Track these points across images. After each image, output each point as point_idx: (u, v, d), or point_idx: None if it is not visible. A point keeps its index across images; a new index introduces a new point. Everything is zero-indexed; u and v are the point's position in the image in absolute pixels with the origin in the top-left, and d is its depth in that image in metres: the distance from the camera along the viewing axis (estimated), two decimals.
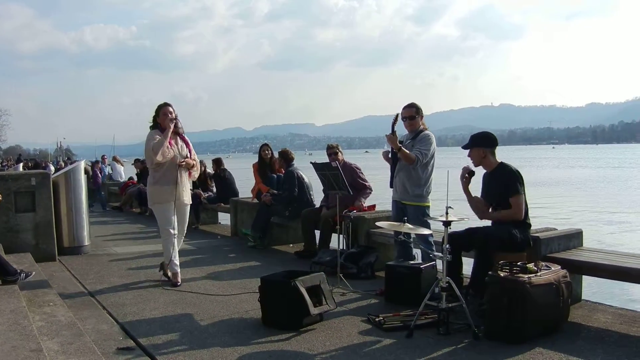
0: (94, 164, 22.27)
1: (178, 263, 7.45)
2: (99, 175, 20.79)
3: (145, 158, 7.56)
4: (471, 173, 6.22)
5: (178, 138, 7.31)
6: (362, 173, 9.13)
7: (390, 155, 7.10)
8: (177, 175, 7.18)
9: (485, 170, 6.31)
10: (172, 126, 7.10)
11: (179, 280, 7.34)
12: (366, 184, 8.98)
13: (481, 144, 6.19)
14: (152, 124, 7.24)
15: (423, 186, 6.86)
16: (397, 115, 6.71)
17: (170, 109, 7.17)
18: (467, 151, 6.28)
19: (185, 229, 7.63)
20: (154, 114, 7.26)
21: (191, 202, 7.61)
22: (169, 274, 7.41)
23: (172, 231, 7.29)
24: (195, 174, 7.62)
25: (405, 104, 7.05)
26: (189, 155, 7.35)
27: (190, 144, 7.47)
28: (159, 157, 7.00)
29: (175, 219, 7.31)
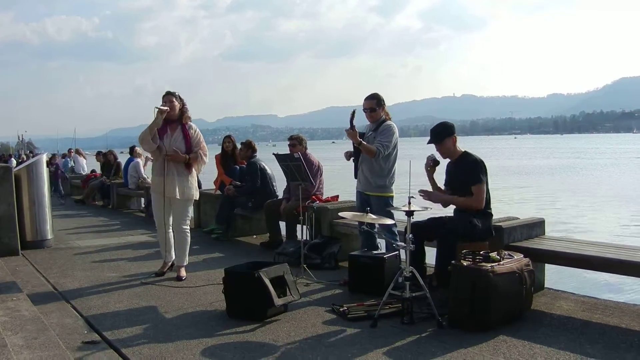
0: (51, 159, 22.02)
1: (171, 255, 7.43)
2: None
3: None
4: (436, 162, 6.26)
5: (179, 128, 7.15)
6: (318, 172, 9.08)
7: (352, 149, 7.12)
8: (164, 167, 7.07)
9: (449, 160, 6.33)
10: (159, 116, 6.90)
11: (182, 275, 7.28)
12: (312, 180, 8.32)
13: (449, 134, 6.18)
14: None
15: (386, 177, 6.88)
16: (354, 111, 6.66)
17: (171, 98, 7.06)
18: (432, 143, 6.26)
19: (182, 224, 7.32)
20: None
21: (193, 198, 7.39)
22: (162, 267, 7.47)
23: (159, 222, 7.33)
24: (199, 166, 7.35)
25: (367, 95, 7.05)
26: (184, 149, 7.13)
27: (194, 136, 7.18)
28: (144, 147, 7.08)
29: (164, 212, 7.28)
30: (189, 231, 7.43)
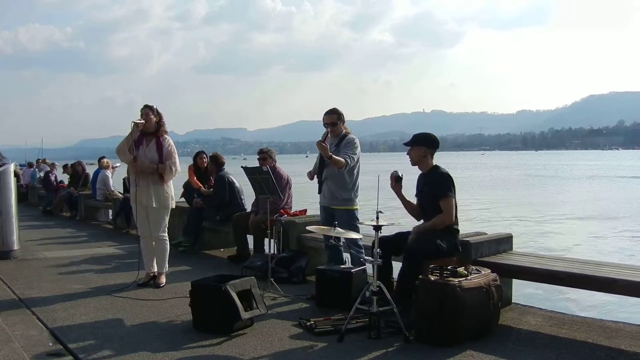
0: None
1: (154, 265, 7.68)
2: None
3: None
4: (398, 179, 6.30)
5: (154, 141, 7.35)
6: (287, 186, 9.10)
7: (316, 165, 7.20)
8: (135, 178, 7.33)
9: (420, 172, 6.35)
10: (135, 129, 7.16)
11: (161, 281, 7.58)
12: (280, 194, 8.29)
13: (423, 143, 6.22)
14: None
15: (351, 190, 6.95)
16: (326, 132, 6.77)
17: (148, 112, 7.29)
18: (406, 151, 6.29)
19: (160, 232, 7.60)
20: None
21: (170, 207, 7.64)
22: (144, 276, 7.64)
23: (143, 232, 7.65)
24: (168, 176, 7.42)
25: (327, 109, 7.13)
26: (157, 159, 7.31)
27: (167, 148, 7.36)
28: (121, 158, 7.35)
29: (140, 221, 7.61)
30: (167, 239, 7.71)
